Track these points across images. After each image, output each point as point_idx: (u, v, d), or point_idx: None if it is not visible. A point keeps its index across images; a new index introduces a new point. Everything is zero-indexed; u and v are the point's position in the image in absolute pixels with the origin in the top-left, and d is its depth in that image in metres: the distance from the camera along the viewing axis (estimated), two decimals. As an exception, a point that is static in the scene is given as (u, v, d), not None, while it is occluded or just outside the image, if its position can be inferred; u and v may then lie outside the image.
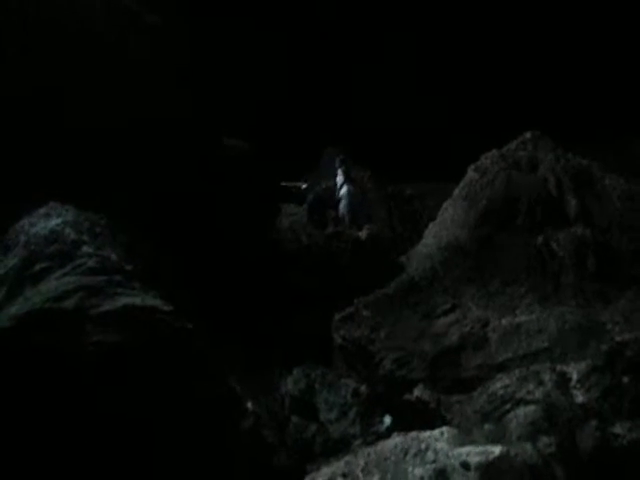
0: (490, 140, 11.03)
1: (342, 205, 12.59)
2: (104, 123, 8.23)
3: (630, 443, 7.62)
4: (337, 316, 9.58)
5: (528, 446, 5.15)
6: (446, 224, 10.50)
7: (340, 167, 12.96)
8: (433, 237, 10.64)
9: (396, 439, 6.14)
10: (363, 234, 12.19)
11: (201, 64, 10.13)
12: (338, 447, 8.47)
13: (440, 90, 15.56)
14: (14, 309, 5.54)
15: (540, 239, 9.57)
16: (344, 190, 12.63)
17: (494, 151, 10.68)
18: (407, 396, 8.63)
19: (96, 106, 8.23)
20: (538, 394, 8.01)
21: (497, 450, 4.82)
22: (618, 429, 7.74)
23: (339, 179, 12.89)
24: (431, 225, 11.01)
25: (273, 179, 12.20)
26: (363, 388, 9.13)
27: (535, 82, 15.41)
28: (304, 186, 12.76)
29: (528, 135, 10.69)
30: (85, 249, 6.34)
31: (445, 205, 10.90)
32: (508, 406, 8.07)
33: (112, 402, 5.30)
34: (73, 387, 5.22)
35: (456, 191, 10.77)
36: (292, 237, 11.59)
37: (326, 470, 5.72)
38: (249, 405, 6.92)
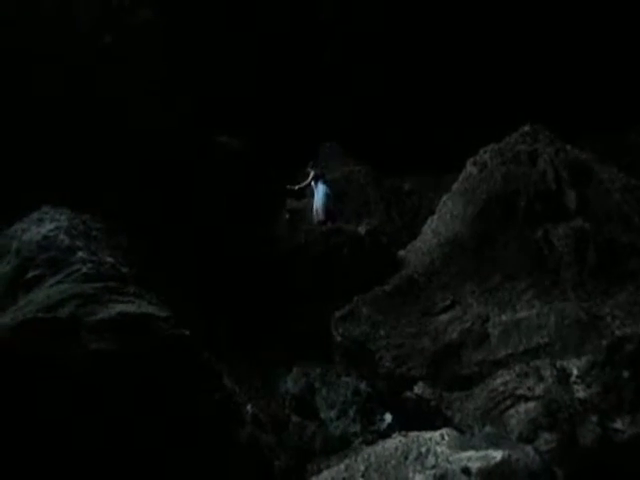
0: (487, 132, 10.90)
1: (316, 204, 12.87)
2: (95, 124, 8.12)
3: (631, 438, 7.60)
4: (337, 314, 9.53)
5: (529, 449, 5.07)
6: (445, 219, 10.40)
7: (313, 171, 13.32)
8: (432, 232, 10.54)
9: (397, 440, 6.05)
10: (362, 229, 12.10)
11: (192, 61, 9.98)
12: (338, 446, 8.45)
13: (437, 83, 15.42)
14: (7, 319, 5.47)
15: (540, 233, 9.48)
16: (319, 191, 12.90)
17: (493, 145, 10.55)
18: (407, 394, 8.60)
19: (88, 108, 8.12)
20: (538, 390, 8.00)
21: (499, 455, 4.75)
22: (619, 424, 7.71)
23: (313, 183, 13.21)
24: (430, 220, 10.91)
25: (269, 175, 12.11)
26: (363, 386, 9.06)
27: (531, 74, 15.25)
28: (296, 187, 12.92)
29: (527, 128, 10.56)
30: (80, 255, 6.27)
31: (444, 199, 10.79)
32: (509, 402, 8.07)
33: (107, 411, 5.24)
34: (68, 397, 5.17)
35: (455, 185, 10.67)
36: (290, 233, 11.48)
37: (326, 474, 5.65)
38: (248, 408, 6.87)
